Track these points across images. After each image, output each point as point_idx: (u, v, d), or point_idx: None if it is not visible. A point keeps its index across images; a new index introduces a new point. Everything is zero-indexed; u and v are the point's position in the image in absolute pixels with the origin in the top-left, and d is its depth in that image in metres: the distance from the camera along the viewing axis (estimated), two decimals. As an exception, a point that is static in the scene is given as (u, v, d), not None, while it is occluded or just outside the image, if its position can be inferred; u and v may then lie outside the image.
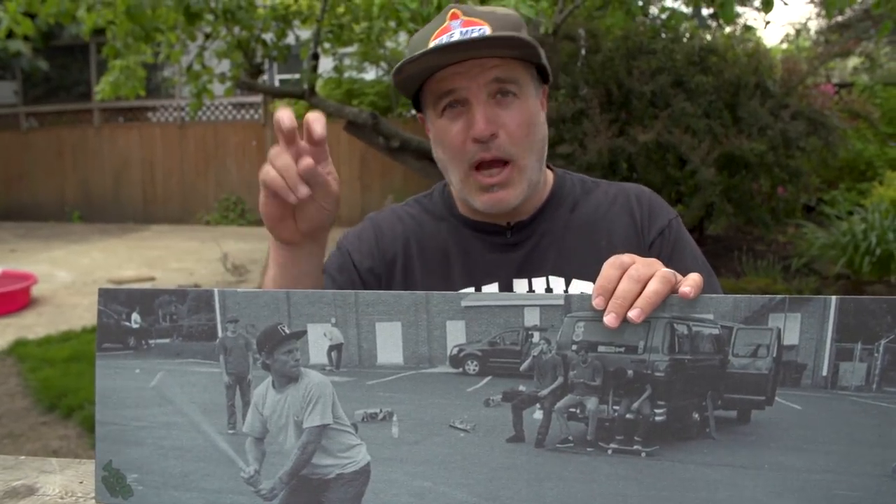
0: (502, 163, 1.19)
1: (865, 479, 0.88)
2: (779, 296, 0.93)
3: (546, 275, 1.26)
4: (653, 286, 0.90)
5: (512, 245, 1.28)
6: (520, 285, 1.26)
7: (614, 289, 0.91)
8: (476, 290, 1.26)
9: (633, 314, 0.90)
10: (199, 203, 12.79)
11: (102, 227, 12.54)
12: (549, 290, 1.25)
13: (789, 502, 0.88)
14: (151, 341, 1.01)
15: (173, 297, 1.01)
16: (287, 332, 0.97)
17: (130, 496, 0.96)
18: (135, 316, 1.02)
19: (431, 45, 1.15)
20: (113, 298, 1.02)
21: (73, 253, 10.01)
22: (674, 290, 0.91)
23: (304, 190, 1.00)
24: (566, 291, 1.20)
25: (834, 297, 0.91)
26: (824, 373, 0.91)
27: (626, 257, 0.95)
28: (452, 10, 1.17)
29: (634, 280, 0.91)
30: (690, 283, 0.90)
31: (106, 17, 6.08)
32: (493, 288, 1.26)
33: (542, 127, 1.24)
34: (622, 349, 0.93)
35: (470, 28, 1.14)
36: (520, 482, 0.91)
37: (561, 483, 0.90)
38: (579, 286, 1.25)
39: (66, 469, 1.12)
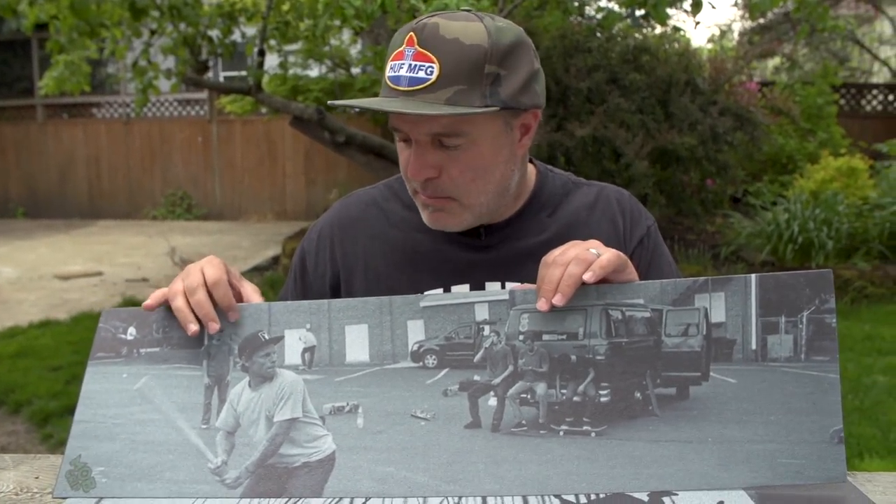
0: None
1: (806, 446, 0.91)
2: (701, 278, 0.97)
3: (521, 280, 1.18)
4: (570, 269, 0.95)
5: (485, 247, 1.21)
6: (492, 288, 1.19)
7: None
8: (445, 290, 1.19)
9: (555, 300, 0.95)
10: (145, 198, 12.49)
11: (48, 222, 12.15)
12: None
13: (736, 474, 0.90)
14: (143, 350, 1.05)
15: (168, 313, 1.05)
16: (266, 338, 1.02)
17: (93, 488, 0.96)
18: (131, 330, 1.06)
19: (387, 69, 1.07)
20: (115, 316, 1.07)
21: (18, 249, 9.69)
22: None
23: (215, 326, 1.03)
24: None
25: (753, 276, 0.96)
26: (753, 346, 0.95)
27: (555, 252, 1.00)
28: (410, 34, 1.05)
29: (558, 265, 0.97)
30: (594, 267, 0.95)
31: (49, 11, 5.88)
32: (463, 289, 1.19)
33: (500, 167, 1.12)
34: (564, 336, 0.97)
35: (418, 64, 1.03)
36: (478, 465, 0.93)
37: (518, 465, 0.92)
38: None
39: (20, 465, 1.06)
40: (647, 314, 0.97)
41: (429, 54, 1.03)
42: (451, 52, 1.03)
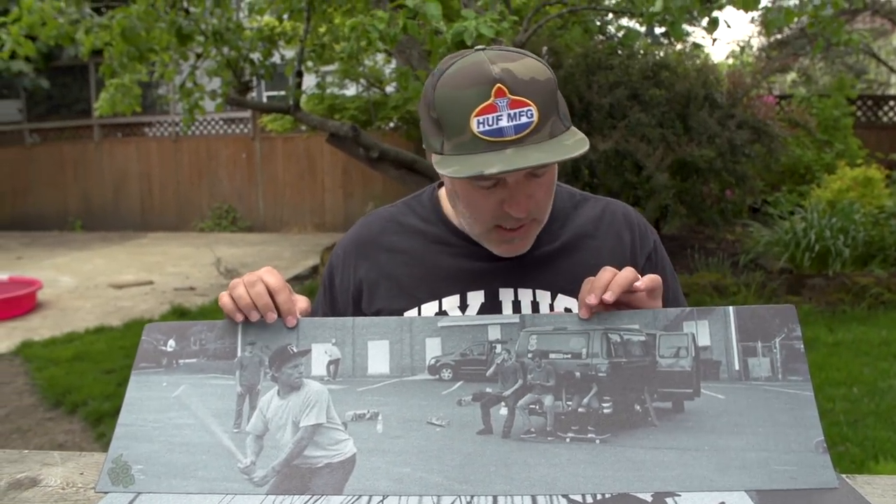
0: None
1: (794, 455, 0.94)
2: (688, 308, 1.05)
3: (533, 287, 1.20)
4: (622, 273, 1.05)
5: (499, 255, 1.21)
6: (506, 294, 1.20)
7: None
8: (461, 296, 1.21)
9: (606, 296, 1.02)
10: (193, 211, 12.69)
11: (103, 235, 12.40)
12: (534, 302, 1.20)
13: (734, 478, 0.92)
14: (181, 361, 1.09)
15: (205, 327, 1.10)
16: (295, 350, 1.06)
17: (132, 484, 0.99)
18: (171, 342, 1.11)
19: (474, 125, 1.02)
20: (156, 330, 1.13)
21: (76, 259, 9.91)
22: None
23: (273, 316, 1.08)
24: (552, 305, 1.20)
25: (731, 308, 1.04)
26: (736, 367, 1.01)
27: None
28: (497, 86, 1.02)
29: (607, 271, 1.06)
30: (646, 281, 1.04)
31: (103, 38, 6.03)
32: (478, 296, 1.20)
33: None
34: (569, 355, 1.02)
35: (517, 111, 1.02)
36: (490, 467, 0.95)
37: (527, 467, 0.94)
38: (564, 302, 1.20)
39: (67, 461, 1.10)
40: (643, 338, 1.03)
41: (523, 99, 1.03)
42: (537, 91, 1.04)
